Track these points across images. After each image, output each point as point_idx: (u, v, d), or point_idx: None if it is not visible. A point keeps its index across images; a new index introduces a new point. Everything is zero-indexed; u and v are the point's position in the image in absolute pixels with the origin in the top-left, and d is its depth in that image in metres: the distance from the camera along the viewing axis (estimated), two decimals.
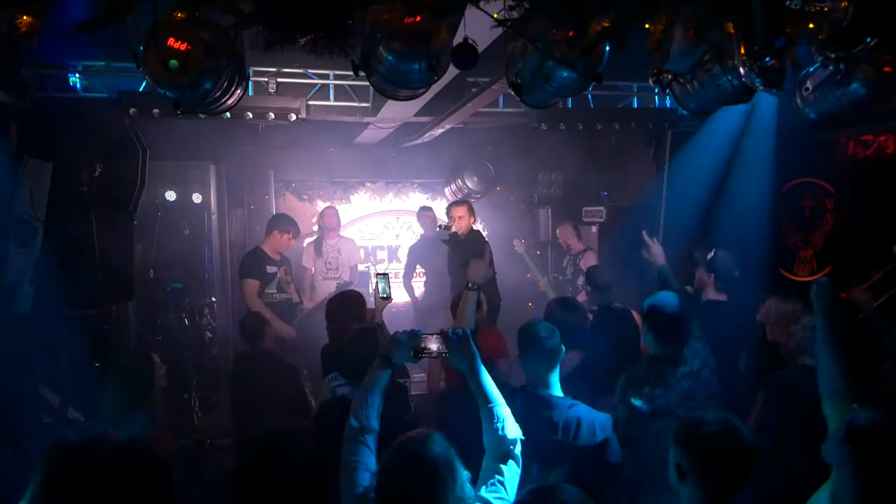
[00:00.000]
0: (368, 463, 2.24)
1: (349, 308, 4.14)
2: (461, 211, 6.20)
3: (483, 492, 2.18)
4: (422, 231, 7.66)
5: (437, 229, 6.50)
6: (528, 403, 2.82)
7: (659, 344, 3.18)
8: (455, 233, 6.16)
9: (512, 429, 2.35)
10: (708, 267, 4.45)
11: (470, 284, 3.64)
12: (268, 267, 6.05)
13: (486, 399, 2.40)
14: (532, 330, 2.99)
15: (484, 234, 7.38)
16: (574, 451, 2.77)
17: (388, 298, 4.25)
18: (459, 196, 7.49)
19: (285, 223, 6.24)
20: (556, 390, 2.95)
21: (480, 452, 2.33)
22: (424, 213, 7.55)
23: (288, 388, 4.44)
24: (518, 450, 2.31)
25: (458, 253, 6.01)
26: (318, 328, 5.92)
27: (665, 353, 3.16)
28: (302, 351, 5.96)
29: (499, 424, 2.34)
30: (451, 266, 6.26)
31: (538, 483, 2.04)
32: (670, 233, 6.56)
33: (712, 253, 4.50)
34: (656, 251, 4.02)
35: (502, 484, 2.21)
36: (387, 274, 4.38)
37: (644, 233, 4.15)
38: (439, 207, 8.49)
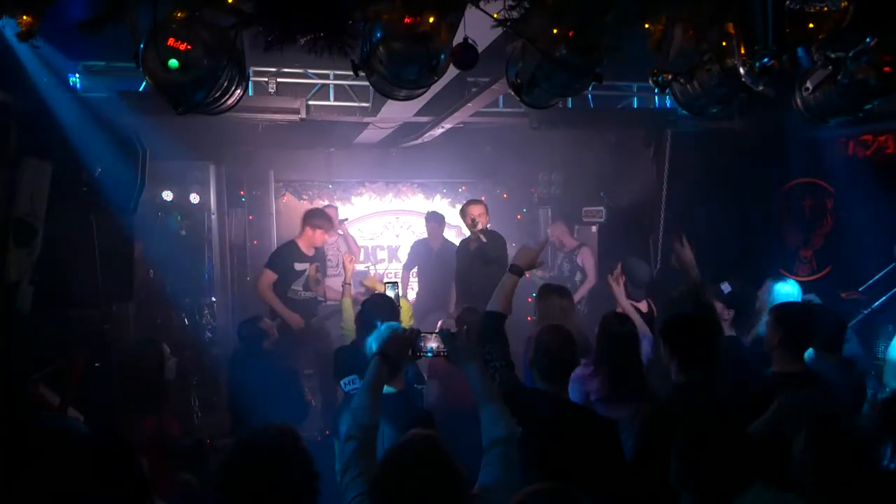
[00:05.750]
0: (368, 462, 2.24)
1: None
2: (480, 209, 5.78)
3: (481, 491, 2.18)
4: (425, 235, 7.45)
5: (475, 242, 5.73)
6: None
7: (683, 371, 2.72)
8: (483, 230, 5.67)
9: (510, 427, 2.34)
10: (729, 302, 3.84)
11: (516, 269, 3.26)
12: (296, 264, 5.79)
13: (485, 397, 2.40)
14: (545, 342, 2.89)
15: None
16: None
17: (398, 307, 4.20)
18: None
19: (315, 218, 5.91)
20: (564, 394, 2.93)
21: (479, 452, 2.32)
22: (439, 221, 7.23)
23: (286, 391, 4.43)
24: (516, 448, 2.31)
25: (476, 255, 5.69)
26: (331, 329, 5.89)
27: (690, 381, 2.70)
28: (308, 352, 5.96)
29: (497, 423, 2.34)
30: (465, 270, 5.81)
31: (539, 483, 2.03)
32: (670, 234, 6.56)
33: (727, 286, 3.87)
34: (688, 258, 3.62)
35: (500, 483, 2.21)
36: (396, 282, 4.31)
37: (682, 237, 3.71)
38: (436, 208, 8.50)
